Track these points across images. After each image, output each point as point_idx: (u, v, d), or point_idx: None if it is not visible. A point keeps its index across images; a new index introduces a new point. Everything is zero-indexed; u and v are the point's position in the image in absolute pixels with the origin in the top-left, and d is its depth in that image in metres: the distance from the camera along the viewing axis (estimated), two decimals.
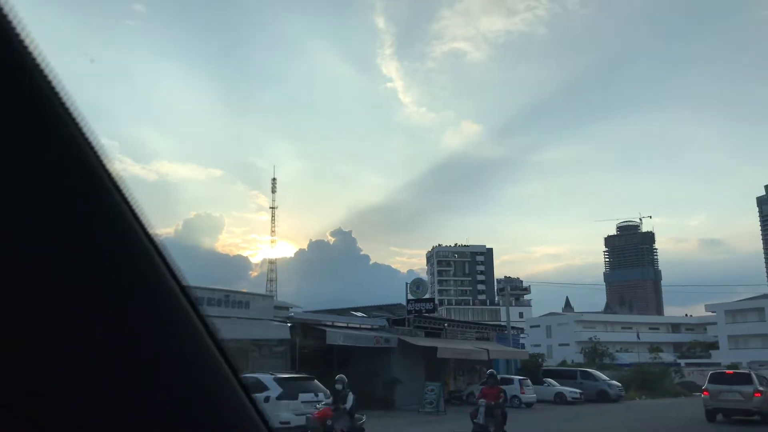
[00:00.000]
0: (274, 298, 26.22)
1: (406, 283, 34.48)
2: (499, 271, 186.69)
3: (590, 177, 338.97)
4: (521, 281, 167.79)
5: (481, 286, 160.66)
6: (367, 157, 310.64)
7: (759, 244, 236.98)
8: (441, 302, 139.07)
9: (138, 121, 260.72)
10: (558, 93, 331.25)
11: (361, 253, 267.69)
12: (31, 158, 0.79)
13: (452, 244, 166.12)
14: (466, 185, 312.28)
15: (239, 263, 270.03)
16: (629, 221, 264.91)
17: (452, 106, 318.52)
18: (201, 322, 1.01)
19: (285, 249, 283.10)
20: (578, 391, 38.55)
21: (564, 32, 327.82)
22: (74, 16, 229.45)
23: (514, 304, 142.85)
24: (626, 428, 25.98)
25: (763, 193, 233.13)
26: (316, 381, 18.01)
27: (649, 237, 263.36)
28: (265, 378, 17.52)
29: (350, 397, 15.73)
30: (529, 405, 34.28)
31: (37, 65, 0.81)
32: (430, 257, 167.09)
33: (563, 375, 42.15)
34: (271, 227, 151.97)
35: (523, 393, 33.76)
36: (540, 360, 48.60)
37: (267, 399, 16.61)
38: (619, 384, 41.90)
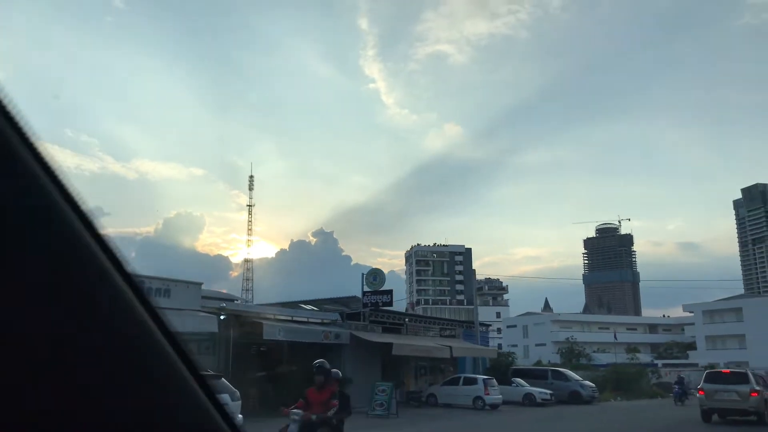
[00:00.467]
0: (201, 286, 22.72)
1: (362, 274, 31.30)
2: (480, 273, 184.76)
3: (570, 179, 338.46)
4: (500, 282, 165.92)
5: (459, 286, 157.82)
6: (349, 157, 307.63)
7: (735, 247, 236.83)
8: (418, 302, 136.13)
9: (119, 119, 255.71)
10: (539, 96, 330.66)
11: (343, 253, 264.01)
12: None
13: (431, 244, 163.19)
14: (448, 187, 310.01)
15: (219, 263, 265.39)
16: (608, 224, 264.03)
17: (435, 108, 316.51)
18: (152, 316, 0.95)
19: (266, 249, 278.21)
20: (549, 392, 35.59)
21: (546, 36, 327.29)
22: (54, 12, 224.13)
23: (491, 303, 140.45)
24: None
25: (740, 196, 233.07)
26: (223, 380, 14.77)
27: (628, 239, 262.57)
28: None
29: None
30: (494, 407, 31.24)
31: None
32: (408, 257, 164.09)
33: (533, 375, 39.17)
34: (248, 225, 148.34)
35: (488, 394, 30.69)
36: (510, 359, 45.69)
37: None
38: (593, 384, 39.01)
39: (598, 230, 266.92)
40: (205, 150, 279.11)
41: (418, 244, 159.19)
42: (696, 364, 73.15)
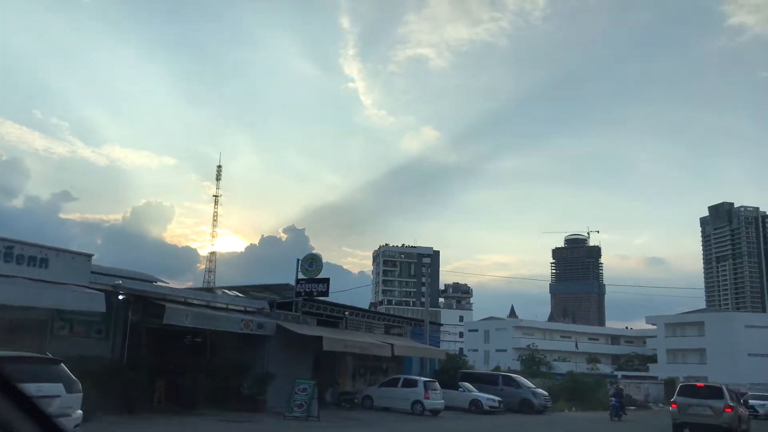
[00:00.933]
0: (92, 258, 19.26)
1: (297, 260, 28.00)
2: (448, 278, 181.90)
3: (541, 189, 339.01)
4: (467, 286, 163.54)
5: (425, 289, 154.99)
6: (324, 155, 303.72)
7: (700, 264, 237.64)
8: (381, 302, 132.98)
9: (91, 104, 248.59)
10: (515, 104, 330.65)
11: (314, 251, 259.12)
12: None
13: (400, 245, 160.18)
14: (421, 190, 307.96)
15: (187, 255, 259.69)
16: (577, 234, 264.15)
17: (412, 111, 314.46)
18: None
19: (235, 243, 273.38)
20: (497, 398, 32.66)
21: (525, 45, 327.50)
22: None
23: (455, 307, 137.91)
24: None
25: (707, 214, 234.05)
26: (61, 366, 11.40)
27: (596, 251, 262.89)
28: None
29: None
30: (435, 413, 28.18)
31: None
32: (376, 257, 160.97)
33: (483, 380, 36.22)
34: (214, 217, 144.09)
35: (428, 398, 27.59)
36: (460, 361, 42.76)
37: None
38: (546, 393, 36.17)
39: (567, 240, 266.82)
40: (178, 140, 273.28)
41: (386, 245, 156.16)
42: (656, 377, 71.16)
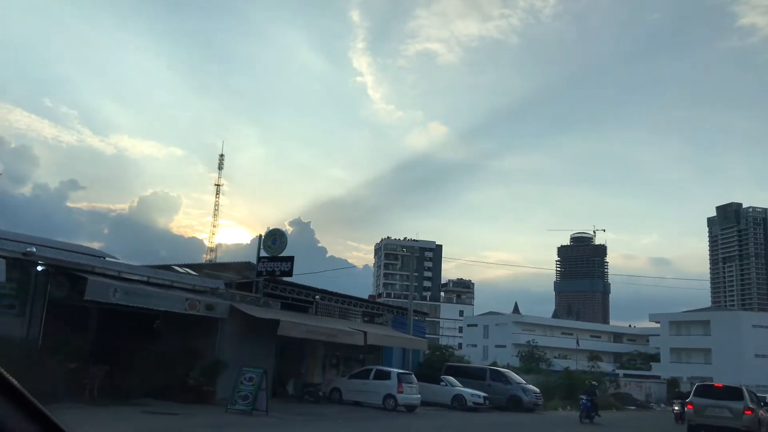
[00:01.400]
0: None
1: (260, 236, 25.03)
2: (453, 274, 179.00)
3: (548, 187, 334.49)
4: (470, 282, 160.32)
5: (427, 283, 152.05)
6: (331, 149, 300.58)
7: (706, 265, 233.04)
8: (380, 294, 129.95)
9: (101, 93, 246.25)
10: (524, 102, 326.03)
11: (319, 245, 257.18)
12: None
13: (402, 238, 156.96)
14: (428, 186, 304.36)
15: (193, 245, 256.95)
16: (583, 233, 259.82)
17: (420, 106, 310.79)
18: None
19: (241, 235, 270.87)
20: (483, 394, 29.64)
21: (535, 43, 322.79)
22: None
23: (455, 301, 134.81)
24: None
25: (715, 214, 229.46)
26: None
27: (601, 250, 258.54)
28: None
29: None
30: (410, 408, 25.22)
31: None
32: (378, 249, 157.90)
33: (470, 374, 33.20)
34: (215, 206, 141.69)
35: (401, 392, 24.58)
36: (448, 353, 39.73)
37: None
38: (537, 390, 33.07)
39: (573, 239, 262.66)
40: (185, 131, 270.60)
41: (388, 237, 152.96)
42: (658, 377, 68.00)
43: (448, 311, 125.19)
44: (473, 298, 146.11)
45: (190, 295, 21.24)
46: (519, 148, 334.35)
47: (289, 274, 24.34)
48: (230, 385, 20.47)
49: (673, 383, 61.35)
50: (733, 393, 21.13)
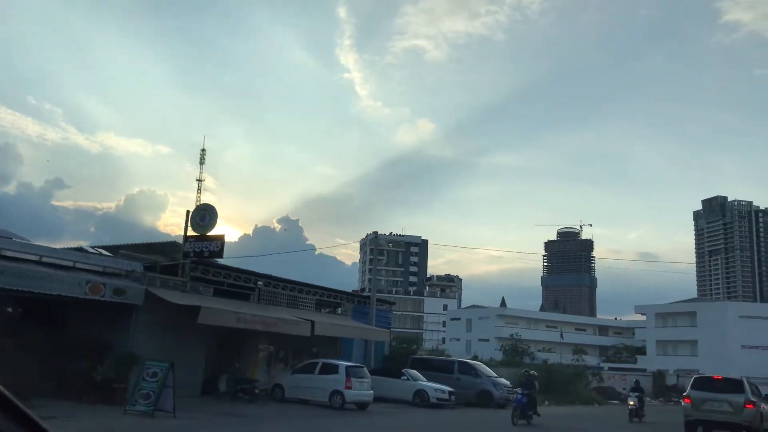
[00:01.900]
0: None
1: (188, 211, 21.76)
2: (441, 270, 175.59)
3: (536, 184, 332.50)
4: (455, 276, 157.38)
5: (413, 278, 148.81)
6: (319, 146, 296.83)
7: (692, 259, 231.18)
8: (362, 289, 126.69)
9: (86, 90, 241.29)
10: (511, 99, 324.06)
11: (307, 242, 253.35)
12: None
13: (387, 233, 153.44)
14: (416, 183, 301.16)
15: (180, 244, 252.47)
16: (570, 228, 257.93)
17: (408, 103, 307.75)
18: None
19: (229, 233, 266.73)
20: (448, 389, 26.51)
21: (522, 40, 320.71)
22: None
23: (439, 295, 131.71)
24: None
25: (700, 208, 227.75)
26: None
27: (588, 244, 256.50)
28: None
29: None
30: (361, 406, 22.10)
31: None
32: (363, 245, 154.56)
33: (436, 367, 30.10)
34: (196, 202, 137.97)
35: (350, 388, 21.39)
36: (415, 345, 36.66)
37: None
38: (509, 384, 30.00)
39: (560, 234, 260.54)
40: (172, 129, 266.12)
41: (374, 232, 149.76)
42: (644, 370, 65.19)
43: (432, 306, 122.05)
44: (458, 292, 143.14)
45: (94, 278, 17.95)
46: (506, 145, 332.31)
47: (219, 254, 21.12)
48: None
49: (659, 376, 58.69)
50: (733, 385, 19.49)
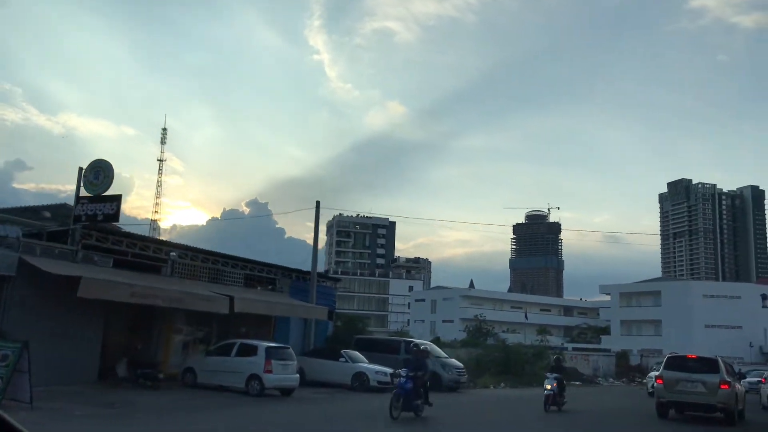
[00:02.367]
0: None
1: (80, 168, 18.53)
2: (411, 253, 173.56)
3: (504, 166, 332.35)
4: (421, 258, 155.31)
5: (380, 260, 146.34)
6: (288, 128, 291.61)
7: (657, 242, 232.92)
8: (328, 271, 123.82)
9: (46, 70, 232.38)
10: (481, 81, 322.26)
11: (277, 226, 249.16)
12: None
13: (354, 215, 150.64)
14: (385, 165, 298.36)
15: (147, 227, 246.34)
16: (537, 211, 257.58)
17: (378, 85, 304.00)
18: None
19: (196, 216, 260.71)
20: (391, 371, 23.83)
21: (492, 22, 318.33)
22: None
23: (404, 277, 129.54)
24: None
25: (666, 190, 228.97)
26: None
27: (556, 227, 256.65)
28: None
29: None
30: (285, 392, 19.32)
31: None
32: (330, 227, 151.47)
33: (382, 347, 27.48)
34: (158, 183, 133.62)
35: (270, 372, 18.56)
36: (360, 324, 34.03)
37: None
38: (460, 365, 27.53)
39: (528, 216, 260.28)
40: (137, 109, 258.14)
41: (340, 214, 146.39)
42: (608, 350, 63.68)
43: (398, 287, 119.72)
44: (424, 274, 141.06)
45: None
46: (477, 128, 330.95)
47: (115, 218, 18.01)
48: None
49: (622, 356, 57.15)
50: (707, 365, 18.26)
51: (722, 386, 17.50)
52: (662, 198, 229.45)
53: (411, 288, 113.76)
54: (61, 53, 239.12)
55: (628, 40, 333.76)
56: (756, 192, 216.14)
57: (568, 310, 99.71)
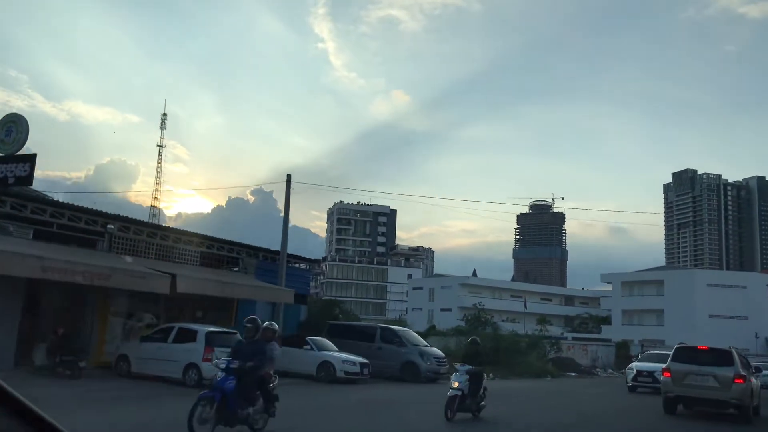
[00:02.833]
0: None
1: None
2: (414, 243, 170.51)
3: (509, 157, 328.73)
4: (422, 247, 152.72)
5: (381, 248, 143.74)
6: (292, 117, 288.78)
7: (661, 233, 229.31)
8: (325, 258, 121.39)
9: (52, 58, 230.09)
10: (486, 71, 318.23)
11: (281, 214, 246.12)
12: None
13: (355, 203, 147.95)
14: (390, 155, 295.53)
15: (152, 214, 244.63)
16: (542, 201, 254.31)
17: (383, 74, 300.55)
18: None
19: (202, 204, 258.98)
20: (360, 360, 21.33)
21: (498, 12, 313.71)
22: None
23: (403, 264, 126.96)
24: None
25: (670, 181, 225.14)
26: None
27: (560, 217, 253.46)
28: None
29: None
30: None
31: None
32: (330, 214, 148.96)
33: (357, 334, 24.92)
34: (157, 169, 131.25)
35: (209, 360, 15.95)
36: (335, 309, 31.46)
37: None
38: (441, 354, 24.91)
39: (532, 206, 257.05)
40: (143, 97, 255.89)
41: (341, 201, 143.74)
42: (609, 340, 60.99)
43: (397, 275, 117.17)
44: (425, 262, 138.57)
45: None
46: (481, 118, 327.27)
47: (28, 181, 15.42)
48: None
49: (623, 346, 54.52)
50: (721, 357, 16.30)
51: (736, 380, 15.56)
52: (667, 188, 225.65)
53: (410, 276, 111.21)
54: (67, 41, 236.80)
55: (634, 31, 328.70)
56: (762, 183, 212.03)
57: (569, 300, 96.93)
